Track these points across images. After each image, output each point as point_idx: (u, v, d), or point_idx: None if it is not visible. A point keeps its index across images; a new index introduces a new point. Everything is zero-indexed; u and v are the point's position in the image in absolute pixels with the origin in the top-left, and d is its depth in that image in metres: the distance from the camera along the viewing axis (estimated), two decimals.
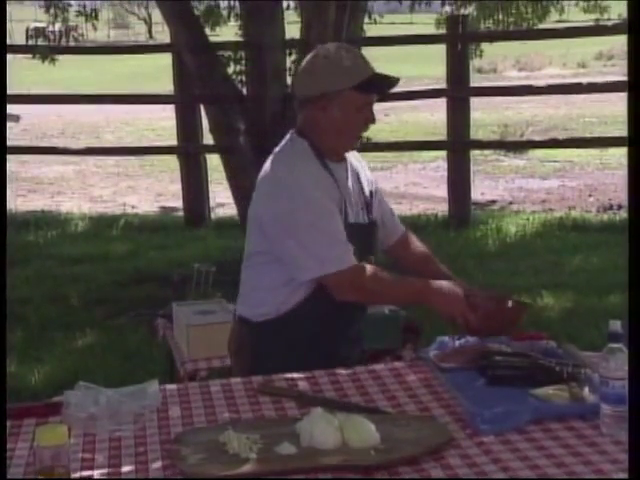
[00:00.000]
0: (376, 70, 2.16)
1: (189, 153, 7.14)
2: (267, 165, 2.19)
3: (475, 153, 8.24)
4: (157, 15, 7.05)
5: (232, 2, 6.62)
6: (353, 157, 2.29)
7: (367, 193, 2.27)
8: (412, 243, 2.40)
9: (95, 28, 7.81)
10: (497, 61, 19.54)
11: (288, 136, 2.22)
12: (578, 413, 1.73)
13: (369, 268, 2.12)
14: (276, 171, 2.15)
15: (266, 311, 2.17)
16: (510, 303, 2.17)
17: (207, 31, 6.31)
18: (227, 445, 1.57)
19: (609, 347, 1.68)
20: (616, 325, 1.70)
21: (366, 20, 5.76)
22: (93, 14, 7.14)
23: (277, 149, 2.22)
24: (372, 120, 2.17)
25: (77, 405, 1.74)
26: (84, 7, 7.24)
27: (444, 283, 2.17)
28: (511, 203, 7.84)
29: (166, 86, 7.93)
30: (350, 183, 2.21)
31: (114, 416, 1.72)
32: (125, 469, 1.58)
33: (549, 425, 1.69)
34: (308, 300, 2.14)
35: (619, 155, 9.52)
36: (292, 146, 2.19)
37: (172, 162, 8.45)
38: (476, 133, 8.71)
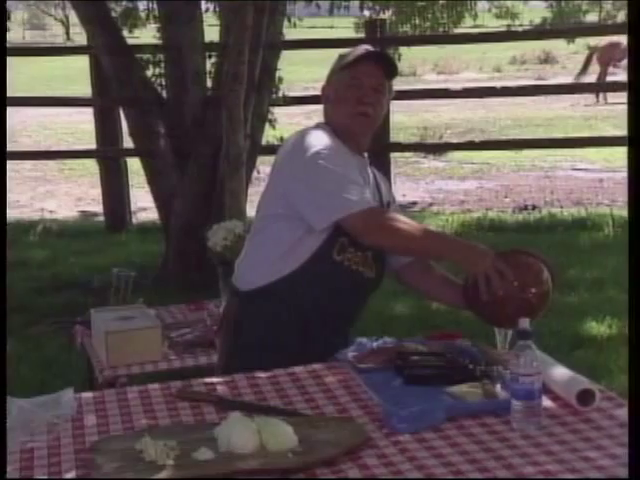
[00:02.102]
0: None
1: (109, 157, 7.03)
2: (290, 139, 2.25)
3: (396, 155, 8.36)
4: (75, 16, 6.87)
5: (151, 4, 6.54)
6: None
7: (384, 200, 2.31)
8: (432, 267, 2.34)
9: (8, 29, 7.59)
10: (417, 65, 19.84)
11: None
12: (490, 409, 1.77)
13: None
14: (301, 134, 2.19)
15: (257, 279, 2.18)
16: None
17: (125, 33, 6.23)
18: (143, 452, 1.55)
19: (519, 344, 1.72)
20: (525, 322, 1.74)
21: (286, 24, 5.78)
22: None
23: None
24: (366, 95, 2.19)
25: None
26: None
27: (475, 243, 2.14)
28: (431, 204, 7.99)
29: (85, 89, 7.79)
30: (367, 181, 2.26)
31: (26, 427, 1.68)
32: None
33: (463, 422, 1.73)
34: (300, 270, 2.13)
35: (533, 157, 9.81)
36: (317, 125, 2.25)
37: (92, 166, 8.30)
38: (397, 136, 8.83)
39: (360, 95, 2.19)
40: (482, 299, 2.06)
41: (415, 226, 2.12)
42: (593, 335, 4.28)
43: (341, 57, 2.28)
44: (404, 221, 2.11)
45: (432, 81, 18.29)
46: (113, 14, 6.26)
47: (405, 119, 11.91)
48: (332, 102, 2.25)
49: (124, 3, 6.93)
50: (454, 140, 10.31)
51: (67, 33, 31.25)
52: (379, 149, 6.91)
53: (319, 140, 2.13)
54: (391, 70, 2.24)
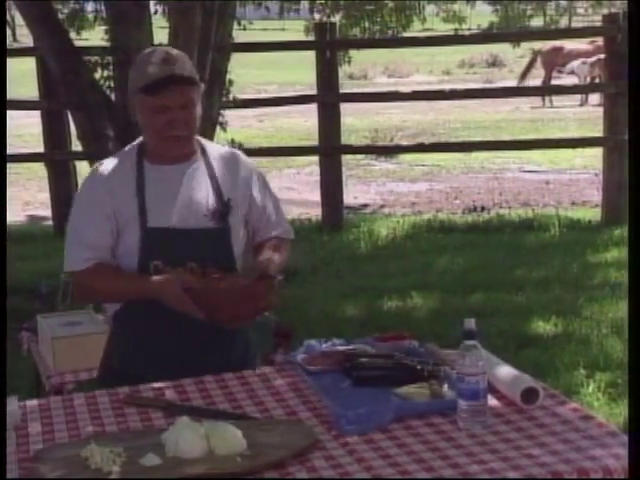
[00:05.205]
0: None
1: (57, 160, 6.93)
2: None
3: (347, 158, 8.40)
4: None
5: (98, 6, 6.46)
6: (241, 166, 2.25)
7: (224, 198, 2.20)
8: (262, 252, 2.25)
9: None
10: (367, 68, 19.95)
11: None
12: (437, 409, 1.79)
13: (100, 269, 2.14)
14: (93, 168, 2.28)
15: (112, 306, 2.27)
16: (247, 281, 2.08)
17: (72, 35, 6.14)
18: (89, 460, 1.53)
19: (464, 344, 1.74)
20: (470, 323, 1.76)
21: (236, 26, 5.76)
22: None
23: None
24: (176, 119, 2.11)
25: None
26: None
27: (161, 278, 2.09)
28: (382, 206, 8.04)
29: (32, 91, 7.67)
30: (185, 187, 2.17)
31: None
32: None
33: (410, 422, 1.75)
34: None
35: (482, 159, 9.94)
36: (131, 143, 2.28)
37: (40, 170, 8.17)
38: (348, 138, 8.87)
39: (169, 119, 2.12)
40: None
41: (110, 280, 2.16)
42: (539, 334, 4.35)
43: (136, 68, 2.16)
44: (101, 278, 2.15)
45: (383, 84, 18.40)
46: (60, 15, 6.17)
47: (356, 122, 11.96)
48: (141, 124, 2.17)
49: (71, 4, 6.84)
50: (405, 142, 10.38)
51: (13, 34, 30.70)
52: (330, 152, 6.95)
53: (86, 183, 2.22)
54: (191, 81, 2.15)
